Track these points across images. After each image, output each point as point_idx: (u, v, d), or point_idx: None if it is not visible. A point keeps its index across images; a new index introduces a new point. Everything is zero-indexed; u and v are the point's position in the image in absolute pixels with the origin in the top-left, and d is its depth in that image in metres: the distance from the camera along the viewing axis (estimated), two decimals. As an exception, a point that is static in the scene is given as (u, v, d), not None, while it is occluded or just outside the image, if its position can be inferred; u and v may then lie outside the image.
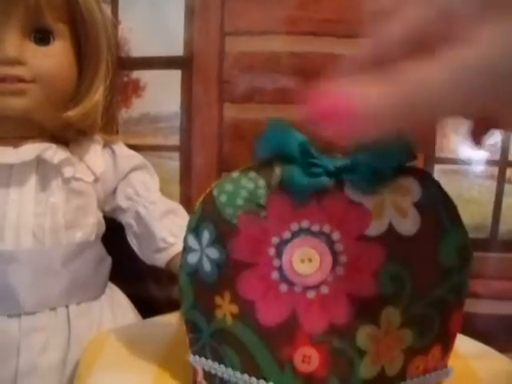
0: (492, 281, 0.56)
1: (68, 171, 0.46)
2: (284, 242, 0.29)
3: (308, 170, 0.29)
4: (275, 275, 0.30)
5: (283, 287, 0.29)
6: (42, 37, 0.45)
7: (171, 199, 0.54)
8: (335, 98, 0.19)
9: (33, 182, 0.46)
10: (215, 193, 0.31)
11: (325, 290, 0.29)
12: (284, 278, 0.29)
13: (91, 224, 0.49)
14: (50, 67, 0.44)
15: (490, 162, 0.54)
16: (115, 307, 0.51)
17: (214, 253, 0.31)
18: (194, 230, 0.32)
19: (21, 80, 0.43)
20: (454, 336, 0.32)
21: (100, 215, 0.51)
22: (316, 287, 0.29)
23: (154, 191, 0.52)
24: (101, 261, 0.51)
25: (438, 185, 0.30)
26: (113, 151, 0.52)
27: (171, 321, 0.48)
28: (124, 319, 0.51)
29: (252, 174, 0.31)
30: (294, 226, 0.29)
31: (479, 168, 0.53)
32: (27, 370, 0.44)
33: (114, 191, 0.52)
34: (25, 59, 0.43)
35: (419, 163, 0.54)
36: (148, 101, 0.56)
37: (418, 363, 0.31)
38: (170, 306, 0.50)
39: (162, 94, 0.56)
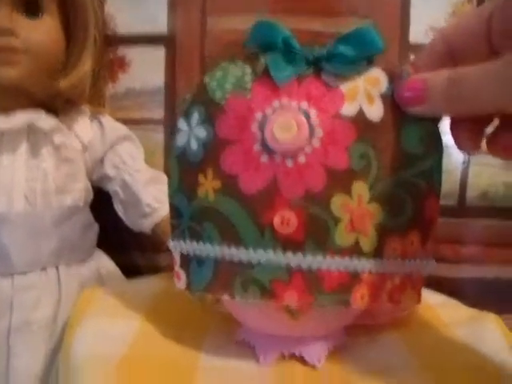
0: (460, 246, 0.59)
1: (58, 138, 0.49)
2: (266, 116, 0.32)
3: (289, 58, 0.33)
4: (257, 147, 0.32)
5: (264, 157, 0.32)
6: (32, 11, 0.47)
7: (156, 169, 0.56)
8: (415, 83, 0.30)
9: (24, 148, 0.48)
10: (206, 80, 0.35)
11: (302, 159, 0.31)
12: (265, 149, 0.32)
13: (80, 190, 0.52)
14: (40, 39, 0.47)
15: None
16: (103, 271, 0.54)
17: (201, 132, 0.34)
18: (185, 113, 0.35)
19: (13, 50, 0.45)
20: (432, 224, 0.35)
21: (88, 183, 0.54)
22: (294, 156, 0.31)
23: (139, 160, 0.55)
24: (88, 226, 0.54)
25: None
26: (100, 123, 0.54)
27: (157, 280, 0.50)
28: (111, 282, 0.54)
29: (239, 63, 0.34)
30: (276, 103, 0.32)
31: (447, 136, 0.56)
32: (20, 326, 0.46)
33: (102, 160, 0.54)
34: (17, 31, 0.45)
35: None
36: (133, 76, 0.59)
37: (395, 245, 0.33)
38: (156, 273, 0.52)
39: (146, 69, 0.58)
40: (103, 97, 0.57)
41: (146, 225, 0.53)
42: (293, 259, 0.32)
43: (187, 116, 0.35)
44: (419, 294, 0.36)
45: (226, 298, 0.33)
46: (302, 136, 0.31)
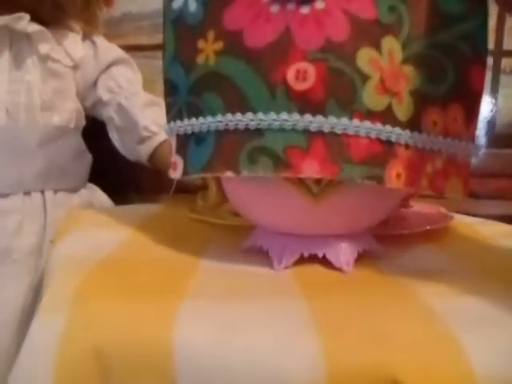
0: (489, 180, 0.53)
1: (44, 47, 0.44)
2: None
3: None
4: None
5: (274, 8, 0.27)
6: None
7: (156, 98, 0.51)
8: None
9: (6, 58, 0.43)
10: None
11: (320, 4, 0.27)
12: None
13: (69, 110, 0.47)
14: None
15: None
16: (95, 204, 0.48)
17: None
18: None
19: None
20: (478, 98, 0.30)
21: (79, 105, 0.49)
22: (310, 2, 0.27)
23: (136, 84, 0.50)
24: (80, 153, 0.49)
25: None
26: (93, 42, 0.50)
27: (154, 205, 0.45)
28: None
29: None
30: None
31: None
32: (1, 254, 0.41)
33: (95, 83, 0.50)
34: None
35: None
36: (130, -1, 0.54)
37: (435, 117, 0.28)
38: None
39: (144, -9, 0.54)
40: (97, 19, 0.52)
41: (143, 151, 0.48)
42: (312, 122, 0.26)
43: None
44: (466, 185, 0.30)
45: (229, 175, 0.27)
46: None
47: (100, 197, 0.50)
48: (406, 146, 0.27)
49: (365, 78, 0.26)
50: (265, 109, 0.27)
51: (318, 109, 0.26)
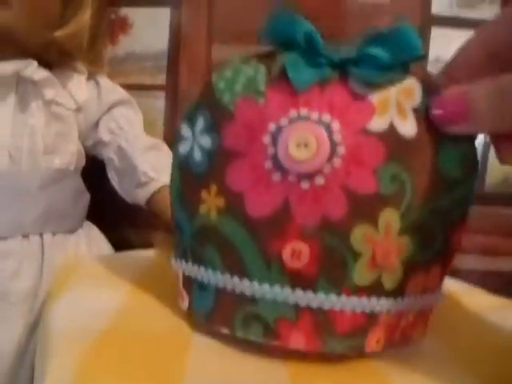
0: (477, 236, 0.55)
1: (49, 93, 0.45)
2: (281, 129, 0.27)
3: (312, 60, 0.28)
4: (268, 164, 0.27)
5: (276, 176, 0.27)
6: None
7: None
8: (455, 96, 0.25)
9: (12, 101, 0.44)
10: (214, 79, 0.29)
11: (320, 180, 0.27)
12: (278, 166, 0.27)
13: (71, 152, 0.47)
14: None
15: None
16: (92, 243, 0.49)
17: (206, 141, 0.29)
18: (189, 117, 0.30)
19: None
20: (453, 255, 0.31)
21: (81, 146, 0.50)
22: (311, 177, 0.27)
23: (137, 126, 0.51)
24: (79, 194, 0.49)
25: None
26: (97, 83, 0.50)
27: (148, 253, 0.46)
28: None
29: (253, 62, 0.29)
30: (293, 113, 0.27)
31: None
32: (-2, 296, 0.42)
33: (97, 124, 0.50)
34: None
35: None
36: (135, 39, 0.55)
37: (419, 280, 0.29)
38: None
39: (149, 32, 0.54)
40: (102, 58, 0.53)
41: (140, 195, 0.49)
42: (302, 297, 0.27)
43: (191, 121, 0.30)
44: (426, 326, 0.32)
45: (226, 332, 0.29)
46: (322, 155, 0.26)
47: (96, 236, 0.51)
48: (388, 312, 0.28)
49: (357, 255, 0.27)
50: (260, 278, 0.28)
51: (309, 285, 0.27)
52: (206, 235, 0.29)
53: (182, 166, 0.31)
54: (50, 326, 0.32)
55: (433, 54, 0.52)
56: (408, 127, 0.28)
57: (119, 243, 0.54)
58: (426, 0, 0.53)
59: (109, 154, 0.50)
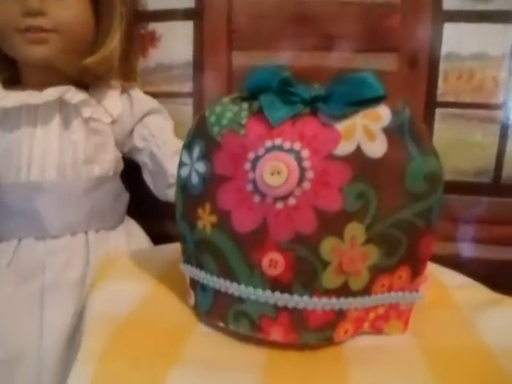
0: (494, 226, 0.56)
1: (86, 111, 0.51)
2: (258, 158, 0.32)
3: (285, 98, 0.32)
4: (249, 187, 0.32)
5: (256, 198, 0.32)
6: None
7: (185, 141, 0.58)
8: None
9: (56, 121, 0.51)
10: (207, 114, 0.35)
11: (292, 201, 0.31)
12: (257, 190, 0.32)
13: (109, 160, 0.54)
14: (68, 18, 0.49)
15: (493, 106, 0.54)
16: (131, 238, 0.57)
17: (201, 167, 0.34)
18: (188, 146, 0.36)
19: (43, 30, 0.48)
20: (425, 261, 0.34)
21: (118, 153, 0.56)
22: (284, 198, 0.31)
23: (167, 132, 0.57)
24: (119, 195, 0.57)
25: (409, 114, 0.32)
26: (129, 96, 0.56)
27: (177, 247, 0.52)
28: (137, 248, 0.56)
29: (238, 100, 0.35)
30: (268, 144, 0.32)
31: (482, 111, 0.52)
32: (52, 286, 0.50)
33: (131, 132, 0.57)
34: (46, 11, 0.48)
35: (419, 108, 0.55)
36: (163, 51, 0.60)
37: (384, 281, 0.33)
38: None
39: (175, 44, 0.60)
40: (135, 71, 0.59)
41: (171, 195, 0.55)
42: (280, 298, 0.32)
43: (189, 149, 0.36)
44: (406, 324, 0.36)
45: (222, 325, 0.35)
46: (292, 180, 0.31)
47: (135, 231, 0.58)
48: (355, 308, 0.33)
49: (325, 264, 0.31)
50: (246, 282, 0.33)
51: (285, 289, 0.32)
52: (204, 246, 0.35)
53: (183, 188, 0.36)
54: (88, 311, 0.39)
55: (445, 49, 0.53)
56: (376, 147, 0.31)
57: (160, 235, 0.61)
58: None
59: (143, 159, 0.57)
